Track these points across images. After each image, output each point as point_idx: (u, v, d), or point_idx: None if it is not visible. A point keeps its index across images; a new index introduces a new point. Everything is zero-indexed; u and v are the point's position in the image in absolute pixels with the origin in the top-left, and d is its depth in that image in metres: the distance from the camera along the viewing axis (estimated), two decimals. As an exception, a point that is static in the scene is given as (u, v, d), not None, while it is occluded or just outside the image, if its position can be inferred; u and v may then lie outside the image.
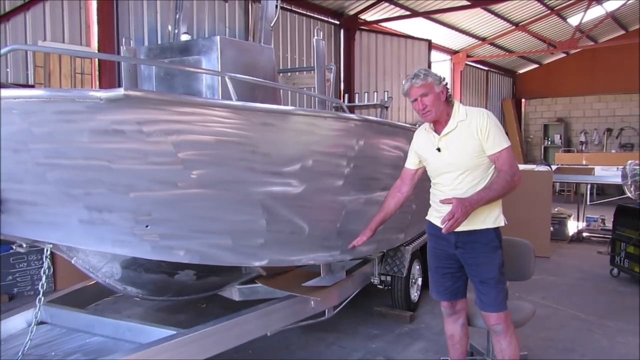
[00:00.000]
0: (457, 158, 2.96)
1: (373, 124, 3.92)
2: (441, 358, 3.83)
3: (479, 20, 13.53)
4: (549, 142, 18.38)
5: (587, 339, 4.44)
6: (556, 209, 8.81)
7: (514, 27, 14.35)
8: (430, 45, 12.49)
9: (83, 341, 3.24)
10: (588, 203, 11.17)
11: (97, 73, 6.93)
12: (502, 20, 13.79)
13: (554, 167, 9.17)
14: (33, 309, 3.07)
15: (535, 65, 18.79)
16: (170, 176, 2.63)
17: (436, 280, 3.26)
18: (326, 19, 11.01)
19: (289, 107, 3.56)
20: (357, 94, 6.54)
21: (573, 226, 8.97)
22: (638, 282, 5.91)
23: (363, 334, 4.50)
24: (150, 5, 7.61)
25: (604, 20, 14.28)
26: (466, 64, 15.84)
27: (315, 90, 4.37)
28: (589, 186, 11.39)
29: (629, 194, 7.47)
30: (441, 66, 15.02)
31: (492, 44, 15.38)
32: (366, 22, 11.68)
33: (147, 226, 2.72)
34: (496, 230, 3.02)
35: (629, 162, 7.53)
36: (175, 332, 3.00)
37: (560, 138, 18.10)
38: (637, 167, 7.22)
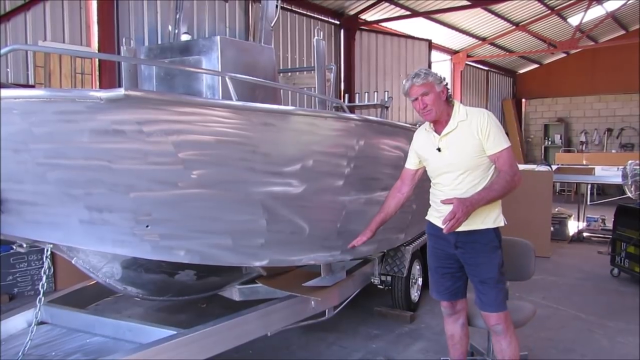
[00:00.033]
0: (458, 158, 2.96)
1: (373, 124, 3.92)
2: (441, 358, 3.83)
3: (479, 20, 13.53)
4: (550, 142, 18.38)
5: (588, 339, 4.44)
6: (556, 209, 8.81)
7: (514, 27, 14.35)
8: (431, 45, 12.48)
9: (83, 341, 3.24)
10: (588, 203, 11.16)
11: (97, 73, 6.93)
12: (502, 20, 13.79)
13: (554, 167, 9.17)
14: (33, 309, 3.06)
15: (536, 65, 18.79)
16: (171, 176, 2.63)
17: (436, 280, 3.26)
18: (326, 19, 11.01)
19: (290, 107, 3.56)
20: (357, 94, 6.55)
21: (573, 226, 8.97)
22: (638, 282, 5.91)
23: (363, 334, 4.49)
24: (150, 5, 7.61)
25: (604, 20, 14.28)
26: (466, 64, 15.83)
27: (315, 90, 4.37)
28: (589, 186, 11.39)
29: (629, 194, 7.47)
30: (441, 66, 15.01)
31: (493, 44, 15.38)
32: (366, 22, 11.68)
33: (147, 226, 2.72)
34: (496, 230, 3.02)
35: (629, 162, 7.52)
36: (175, 332, 3.00)
37: (561, 138, 18.10)
38: (638, 167, 7.22)
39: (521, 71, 19.19)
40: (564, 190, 14.46)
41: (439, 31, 13.42)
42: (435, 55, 14.07)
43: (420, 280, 5.22)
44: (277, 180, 3.10)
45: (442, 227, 2.82)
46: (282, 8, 4.75)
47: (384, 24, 11.98)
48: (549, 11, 13.60)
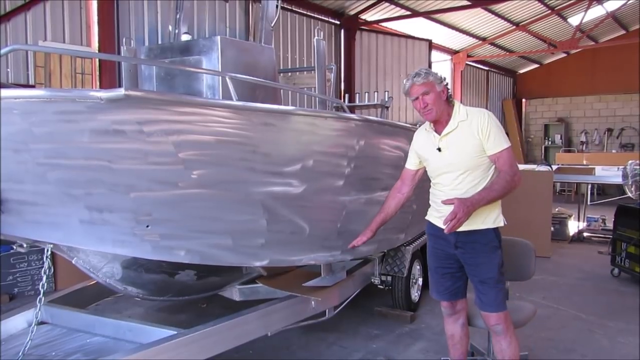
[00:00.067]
0: (458, 158, 2.96)
1: (373, 124, 3.92)
2: (442, 358, 3.83)
3: (480, 20, 13.53)
4: (550, 142, 18.38)
5: (588, 339, 4.44)
6: (557, 209, 8.81)
7: (514, 27, 14.35)
8: (431, 45, 12.48)
9: (84, 341, 3.24)
10: (589, 203, 11.17)
11: (97, 73, 6.93)
12: (502, 20, 13.79)
13: (554, 167, 9.17)
14: (33, 309, 3.06)
15: (536, 65, 18.78)
16: (171, 176, 2.63)
17: (436, 280, 3.26)
18: (327, 19, 11.01)
19: (290, 107, 3.56)
20: (357, 94, 6.55)
21: (574, 226, 8.97)
22: (639, 282, 5.90)
23: (364, 334, 4.49)
24: (150, 5, 7.61)
25: (604, 20, 14.27)
26: (466, 64, 15.83)
27: (315, 90, 4.37)
28: (589, 186, 11.39)
29: (629, 194, 7.48)
30: (441, 66, 15.01)
31: (493, 44, 15.37)
32: (366, 22, 11.68)
33: (147, 226, 2.72)
34: (496, 230, 3.02)
35: (630, 162, 7.53)
36: (175, 332, 3.00)
37: (561, 138, 18.10)
38: (638, 167, 7.22)
39: (521, 71, 19.19)
40: (564, 190, 14.46)
41: (439, 31, 13.42)
42: (436, 55, 14.07)
43: (420, 280, 5.22)
44: (277, 180, 3.10)
45: (443, 227, 2.81)
46: (282, 8, 4.75)
47: (384, 24, 11.97)
48: (549, 11, 13.60)
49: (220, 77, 3.53)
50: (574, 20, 14.11)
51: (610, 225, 7.63)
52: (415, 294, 5.07)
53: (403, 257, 4.73)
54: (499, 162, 2.91)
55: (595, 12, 13.82)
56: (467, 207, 2.74)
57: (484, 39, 14.95)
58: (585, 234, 8.85)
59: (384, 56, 11.84)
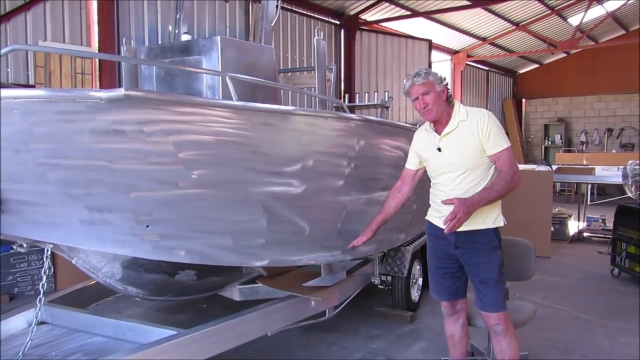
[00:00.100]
0: (458, 158, 2.96)
1: (373, 124, 3.92)
2: (442, 358, 3.83)
3: (480, 20, 13.53)
4: (550, 142, 18.38)
5: (588, 339, 4.44)
6: (557, 209, 8.81)
7: (514, 27, 14.35)
8: (431, 45, 12.48)
9: (84, 341, 3.24)
10: (589, 203, 11.17)
11: (97, 73, 6.93)
12: (502, 20, 13.79)
13: (554, 167, 9.17)
14: (33, 309, 3.06)
15: (536, 65, 18.78)
16: (171, 176, 2.63)
17: (436, 280, 3.26)
18: (327, 19, 11.01)
19: (290, 107, 3.56)
20: (357, 94, 6.55)
21: (574, 226, 8.97)
22: (639, 282, 5.90)
23: (364, 334, 4.49)
24: (150, 5, 7.61)
25: (604, 20, 14.28)
26: (466, 64, 15.83)
27: (315, 90, 4.37)
28: (589, 186, 11.39)
29: (629, 194, 7.48)
30: (441, 66, 15.01)
31: (493, 44, 15.37)
32: (367, 22, 11.68)
33: (147, 226, 2.72)
34: (495, 230, 3.02)
35: (630, 162, 7.53)
36: (175, 332, 3.00)
37: (561, 138, 18.10)
38: (638, 167, 7.22)
39: (521, 71, 19.19)
40: (564, 190, 14.46)
41: (439, 31, 13.42)
42: (436, 55, 14.07)
43: (420, 280, 5.22)
44: (277, 180, 3.10)
45: (443, 227, 2.81)
46: (282, 8, 4.75)
47: (384, 24, 11.97)
48: (549, 11, 13.60)
49: (220, 77, 3.52)
50: (574, 20, 14.11)
51: (610, 225, 7.63)
52: (415, 294, 5.07)
53: (403, 257, 4.73)
54: (499, 162, 2.91)
55: (595, 12, 13.82)
56: (467, 207, 2.74)
57: (484, 39, 14.95)
58: (585, 234, 8.85)
59: (384, 56, 11.84)
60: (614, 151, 16.42)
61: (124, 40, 4.38)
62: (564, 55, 17.77)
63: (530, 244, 3.58)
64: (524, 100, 19.09)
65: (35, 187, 2.47)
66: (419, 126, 3.33)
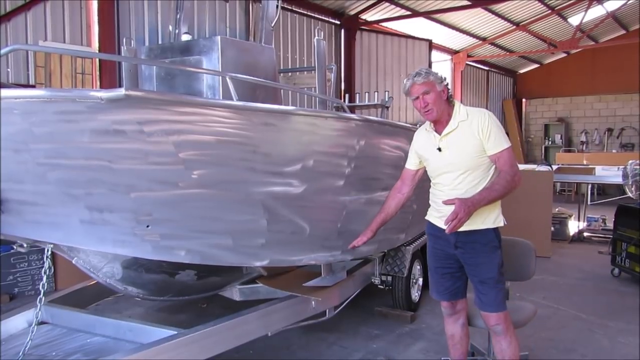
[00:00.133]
0: (458, 158, 2.96)
1: (374, 124, 3.92)
2: (442, 358, 3.82)
3: (480, 20, 13.53)
4: (550, 142, 18.38)
5: (588, 339, 4.44)
6: (557, 209, 8.81)
7: (514, 27, 14.35)
8: (431, 45, 12.48)
9: (84, 341, 3.24)
10: (589, 203, 11.17)
11: (97, 73, 6.93)
12: (502, 20, 13.79)
13: (554, 167, 9.17)
14: (34, 309, 3.06)
15: (536, 65, 18.79)
16: (171, 176, 2.63)
17: (436, 281, 3.26)
18: (327, 19, 11.01)
19: (290, 107, 3.56)
20: (357, 94, 6.55)
21: (574, 226, 8.97)
22: (639, 282, 5.90)
23: (364, 334, 4.49)
24: (151, 5, 7.61)
25: (604, 20, 14.27)
26: (467, 64, 15.83)
27: (316, 90, 4.37)
28: (589, 186, 11.39)
29: (629, 194, 7.47)
30: (442, 66, 15.01)
31: (493, 43, 15.37)
32: (367, 22, 11.68)
33: (148, 226, 2.72)
34: (495, 230, 3.02)
35: (630, 162, 7.52)
36: (176, 332, 3.00)
37: (561, 138, 18.10)
38: (638, 167, 7.22)
39: (521, 71, 19.19)
40: (564, 190, 14.46)
41: (439, 31, 13.42)
42: (436, 55, 14.07)
43: (420, 281, 5.22)
44: (277, 180, 3.10)
45: (443, 227, 2.82)
46: (282, 8, 4.74)
47: (384, 24, 11.97)
48: (549, 11, 13.60)
49: (220, 77, 3.53)
50: (574, 20, 14.11)
51: (610, 225, 7.63)
52: (415, 294, 5.07)
53: (403, 257, 4.73)
54: (500, 162, 2.91)
55: (595, 12, 13.82)
56: (468, 207, 2.74)
57: (484, 39, 14.95)
58: (585, 234, 8.84)
59: (384, 56, 11.84)
60: (614, 151, 16.42)
61: (124, 40, 4.38)
62: (564, 55, 17.77)
63: (530, 244, 3.58)
64: (524, 100, 19.09)
65: (35, 187, 2.47)
66: (419, 126, 3.33)
